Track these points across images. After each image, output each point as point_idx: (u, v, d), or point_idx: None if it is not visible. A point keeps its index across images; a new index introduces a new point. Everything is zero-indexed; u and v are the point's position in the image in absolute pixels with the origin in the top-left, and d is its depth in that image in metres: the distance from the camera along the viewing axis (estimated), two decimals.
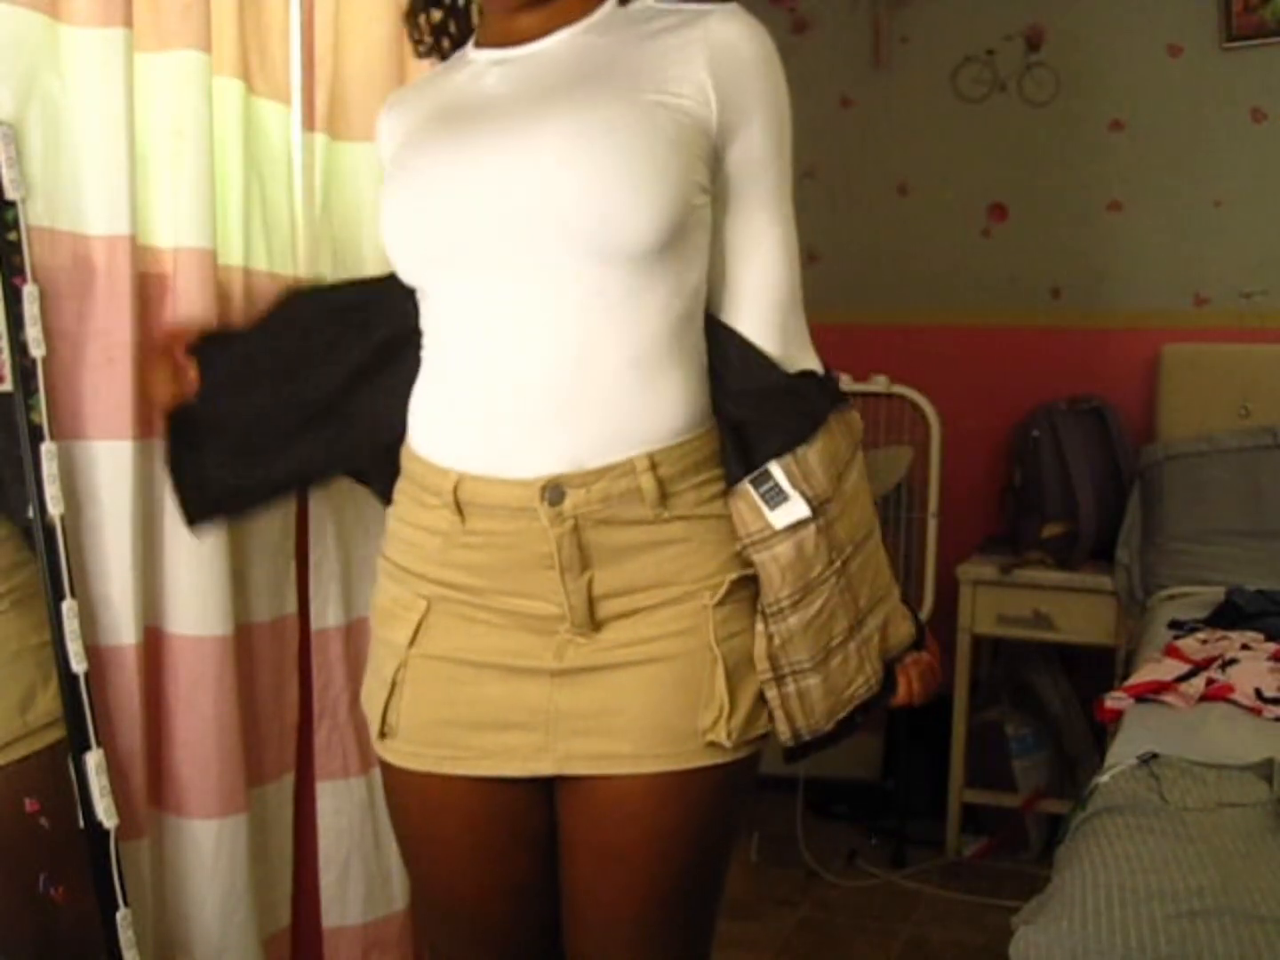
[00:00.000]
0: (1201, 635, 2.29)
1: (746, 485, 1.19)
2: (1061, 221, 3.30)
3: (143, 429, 1.73)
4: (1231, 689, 1.96)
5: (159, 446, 1.78)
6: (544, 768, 1.21)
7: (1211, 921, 1.27)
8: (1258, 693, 1.93)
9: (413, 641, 1.24)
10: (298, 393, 1.38)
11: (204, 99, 1.77)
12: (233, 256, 1.87)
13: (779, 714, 1.22)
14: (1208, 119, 3.16)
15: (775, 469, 1.18)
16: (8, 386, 1.56)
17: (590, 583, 1.17)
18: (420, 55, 1.39)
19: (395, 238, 1.23)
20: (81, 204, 1.65)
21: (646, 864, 1.22)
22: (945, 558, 3.08)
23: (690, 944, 1.29)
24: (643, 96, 1.14)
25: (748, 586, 1.22)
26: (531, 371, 1.15)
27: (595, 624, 1.18)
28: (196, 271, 1.77)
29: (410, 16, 1.37)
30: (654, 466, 1.16)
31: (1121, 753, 1.75)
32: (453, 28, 1.36)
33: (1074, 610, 2.95)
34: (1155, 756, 1.69)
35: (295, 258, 1.99)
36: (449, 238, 1.18)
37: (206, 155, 1.77)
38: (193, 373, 1.40)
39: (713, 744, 1.19)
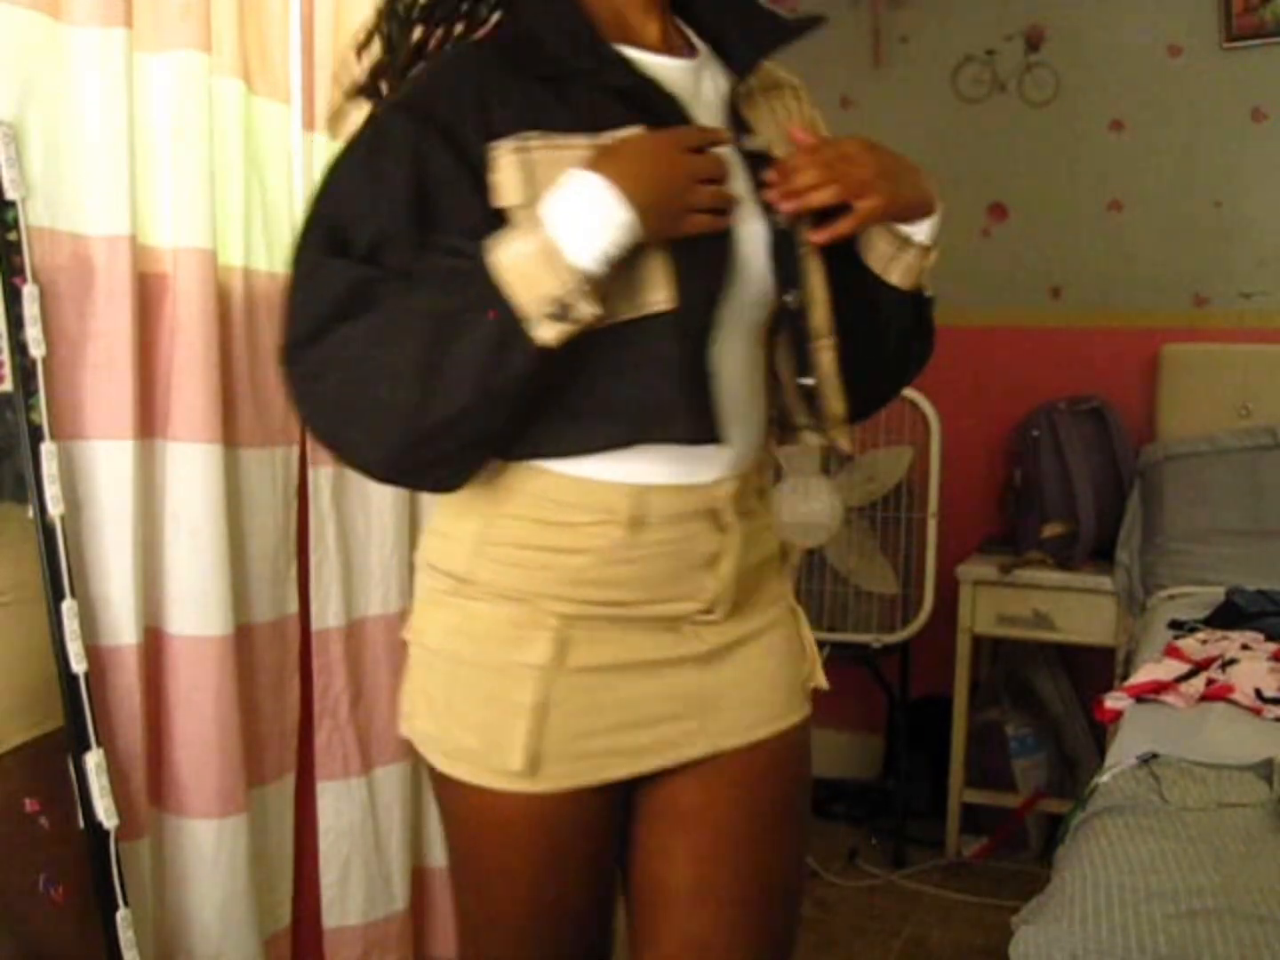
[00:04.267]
0: (1201, 635, 2.29)
1: None
2: (1061, 221, 3.30)
3: (143, 429, 1.74)
4: (1231, 689, 1.96)
5: (159, 446, 1.79)
6: (698, 750, 1.24)
7: (1211, 921, 1.27)
8: (1258, 693, 1.93)
9: (555, 659, 1.17)
10: None
11: (204, 99, 1.77)
12: (233, 256, 1.87)
13: None
14: (1208, 119, 3.15)
15: None
16: (8, 386, 1.56)
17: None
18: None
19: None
20: (81, 204, 1.65)
21: (782, 820, 1.29)
22: (945, 558, 3.08)
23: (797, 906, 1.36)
24: None
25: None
26: (721, 391, 1.18)
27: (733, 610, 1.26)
28: (196, 271, 1.77)
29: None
30: (761, 465, 1.26)
31: (1121, 753, 1.75)
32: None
33: (1074, 610, 2.95)
34: (1155, 756, 1.68)
35: None
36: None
37: (206, 155, 1.77)
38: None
39: (812, 690, 1.33)
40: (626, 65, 1.14)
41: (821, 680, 1.33)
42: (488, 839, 1.23)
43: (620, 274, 1.08)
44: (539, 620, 1.17)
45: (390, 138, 1.11)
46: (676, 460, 1.16)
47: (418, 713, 1.24)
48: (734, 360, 1.19)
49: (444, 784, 1.24)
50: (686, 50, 1.23)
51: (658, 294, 1.10)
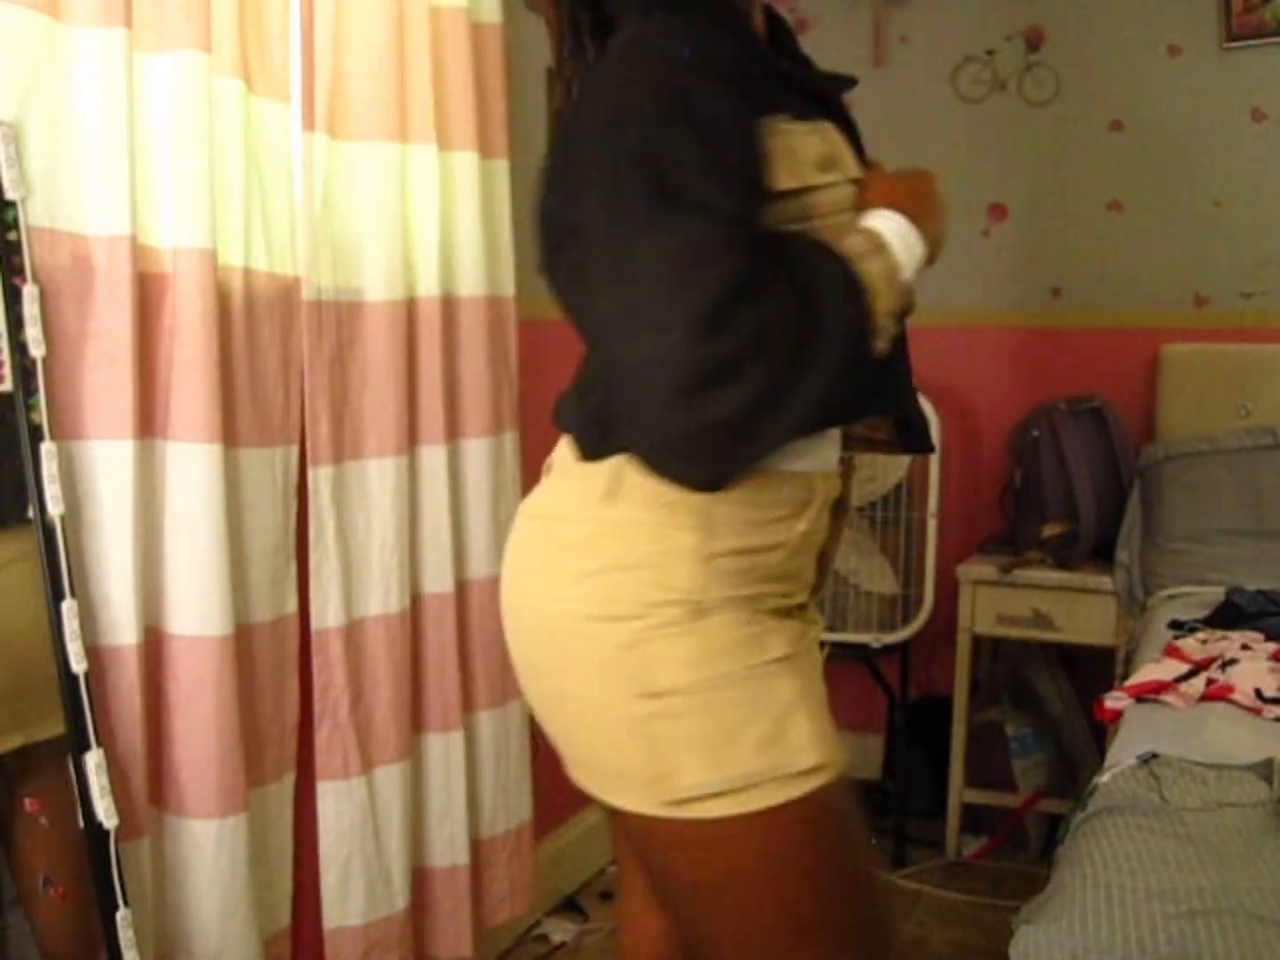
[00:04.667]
0: (1201, 635, 2.29)
1: None
2: (1061, 221, 3.30)
3: (143, 429, 1.74)
4: (1231, 689, 1.96)
5: (158, 446, 1.79)
6: None
7: (1211, 921, 1.27)
8: (1258, 693, 1.93)
9: (793, 647, 1.17)
10: None
11: (204, 99, 1.77)
12: (233, 256, 1.87)
13: None
14: (1208, 119, 3.15)
15: None
16: (8, 386, 1.56)
17: None
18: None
19: None
20: (81, 204, 1.65)
21: None
22: (945, 558, 3.08)
23: None
24: None
25: None
26: None
27: None
28: (196, 271, 1.77)
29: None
30: None
31: (1121, 753, 1.75)
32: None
33: (1074, 610, 2.95)
34: (1155, 756, 1.68)
35: (295, 258, 2.00)
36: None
37: (206, 155, 1.77)
38: None
39: None
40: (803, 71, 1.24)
41: None
42: (798, 859, 1.14)
43: None
44: (762, 619, 1.16)
45: (704, 97, 1.03)
46: (836, 446, 1.23)
47: (683, 769, 1.11)
48: None
49: (730, 831, 1.12)
50: None
51: None
